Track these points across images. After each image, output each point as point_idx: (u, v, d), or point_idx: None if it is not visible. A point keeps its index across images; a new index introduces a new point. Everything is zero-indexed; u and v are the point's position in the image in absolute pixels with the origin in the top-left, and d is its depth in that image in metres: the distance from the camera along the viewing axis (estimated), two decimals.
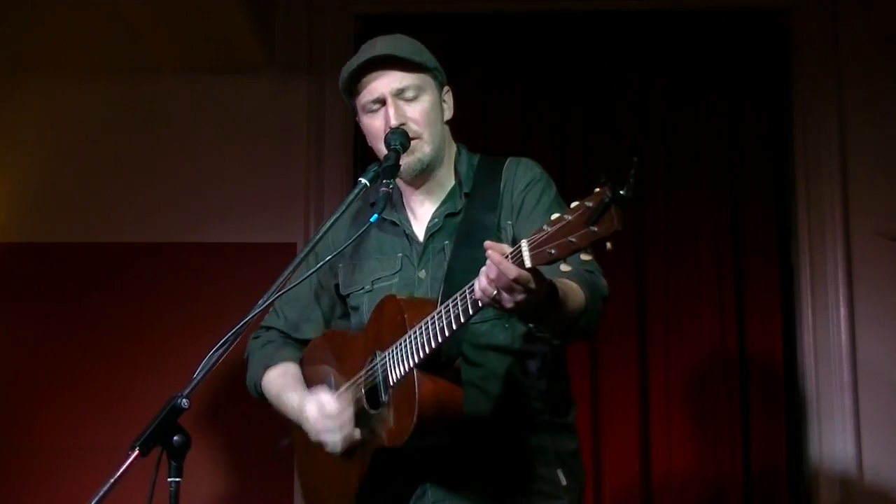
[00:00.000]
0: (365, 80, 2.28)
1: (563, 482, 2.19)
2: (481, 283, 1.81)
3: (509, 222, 2.23)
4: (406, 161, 2.22)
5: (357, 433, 2.17)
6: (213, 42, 3.71)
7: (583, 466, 2.28)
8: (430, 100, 2.29)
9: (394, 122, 2.22)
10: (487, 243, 1.79)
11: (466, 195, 2.28)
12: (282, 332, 2.44)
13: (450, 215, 2.28)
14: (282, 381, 2.36)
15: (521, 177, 2.27)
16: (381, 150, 2.24)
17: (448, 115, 2.35)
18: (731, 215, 3.92)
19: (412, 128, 2.24)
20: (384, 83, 2.25)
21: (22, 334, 3.84)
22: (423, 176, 2.29)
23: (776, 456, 3.76)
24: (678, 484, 3.77)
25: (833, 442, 3.75)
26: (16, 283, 3.88)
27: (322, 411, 2.17)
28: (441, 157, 2.30)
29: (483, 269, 1.81)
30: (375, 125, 2.28)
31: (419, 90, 2.27)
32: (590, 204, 1.63)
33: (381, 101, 2.26)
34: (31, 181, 3.94)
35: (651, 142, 3.95)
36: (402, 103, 2.25)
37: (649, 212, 3.91)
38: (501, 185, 2.27)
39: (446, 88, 2.35)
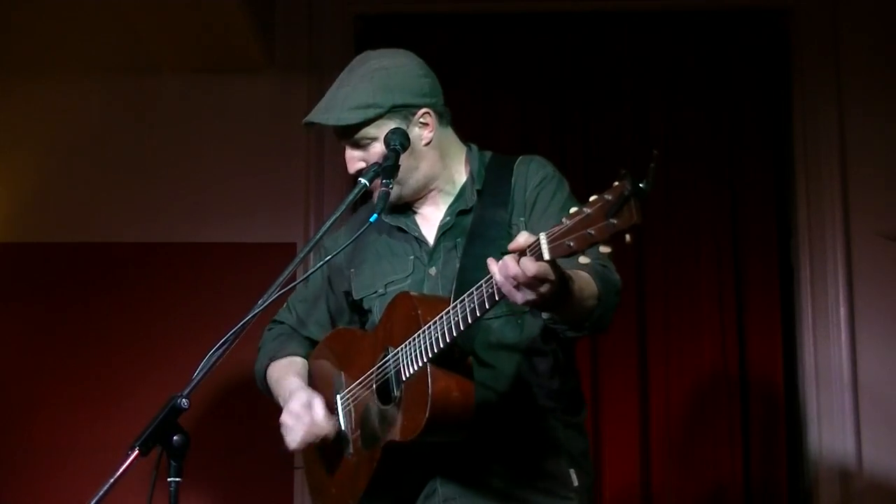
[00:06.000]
0: None
1: (575, 482, 2.17)
2: (505, 287, 1.78)
3: (522, 219, 2.19)
4: (384, 193, 2.13)
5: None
6: (213, 42, 3.71)
7: (591, 465, 2.28)
8: None
9: (351, 171, 2.20)
10: (510, 245, 1.76)
11: (478, 192, 2.24)
12: (292, 327, 2.45)
13: (462, 213, 2.24)
14: (284, 370, 2.36)
15: (533, 174, 2.23)
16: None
17: (427, 137, 2.19)
18: (731, 215, 3.92)
19: None
20: (337, 130, 2.20)
21: (22, 334, 3.84)
22: (416, 194, 2.25)
23: (776, 455, 3.77)
24: (678, 485, 3.77)
25: (833, 441, 3.74)
26: (16, 283, 3.88)
27: (303, 410, 2.18)
28: (428, 181, 2.24)
29: (497, 267, 1.77)
30: (346, 159, 2.23)
31: (375, 138, 2.17)
32: (609, 197, 1.62)
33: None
34: (31, 181, 3.94)
35: (651, 142, 3.95)
36: (358, 152, 2.19)
37: (649, 212, 3.87)
38: (512, 183, 2.23)
39: (422, 111, 2.18)
